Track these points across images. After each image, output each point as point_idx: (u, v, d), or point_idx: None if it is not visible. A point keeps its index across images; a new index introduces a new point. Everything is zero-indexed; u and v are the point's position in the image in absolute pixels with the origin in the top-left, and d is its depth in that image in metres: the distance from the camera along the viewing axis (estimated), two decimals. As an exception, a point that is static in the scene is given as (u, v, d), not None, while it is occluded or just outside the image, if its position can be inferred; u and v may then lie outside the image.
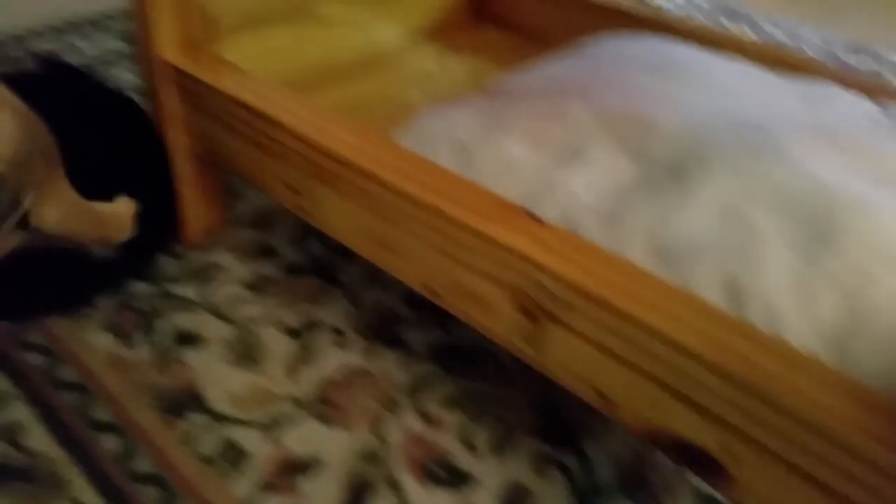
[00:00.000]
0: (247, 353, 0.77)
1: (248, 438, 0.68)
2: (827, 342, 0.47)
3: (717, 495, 0.64)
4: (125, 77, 1.30)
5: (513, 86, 0.74)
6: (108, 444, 0.67)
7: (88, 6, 1.55)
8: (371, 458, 0.67)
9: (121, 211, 0.77)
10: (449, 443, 0.69)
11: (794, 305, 0.48)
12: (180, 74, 0.79)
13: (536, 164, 0.63)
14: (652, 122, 0.63)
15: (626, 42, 0.81)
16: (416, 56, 1.05)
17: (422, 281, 0.64)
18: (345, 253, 0.90)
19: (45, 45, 1.40)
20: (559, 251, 0.53)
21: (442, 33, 1.12)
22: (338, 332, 0.80)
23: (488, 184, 0.62)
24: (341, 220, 0.69)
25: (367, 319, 0.82)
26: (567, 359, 0.54)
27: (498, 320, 0.58)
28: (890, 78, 1.50)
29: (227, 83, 0.75)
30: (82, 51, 1.39)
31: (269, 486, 0.64)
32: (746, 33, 1.68)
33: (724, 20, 1.76)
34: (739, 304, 0.50)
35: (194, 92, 0.78)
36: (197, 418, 0.69)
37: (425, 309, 0.83)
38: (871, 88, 0.79)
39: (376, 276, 0.87)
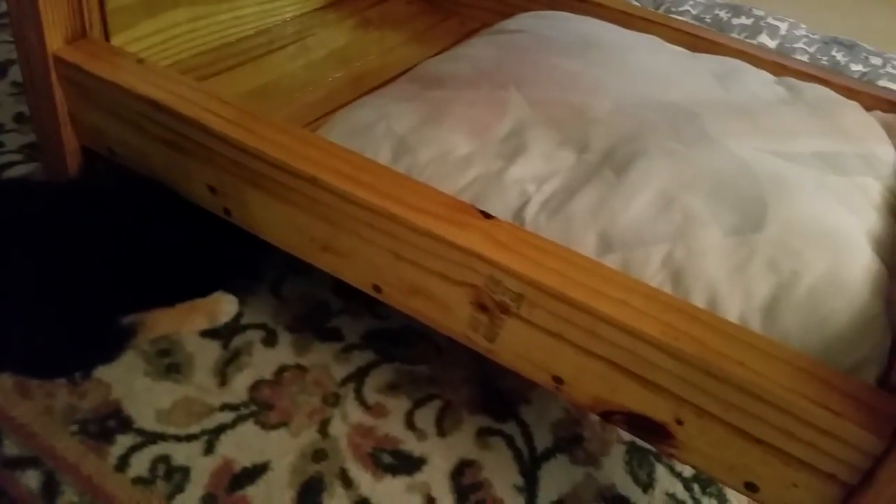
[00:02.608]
0: (170, 364, 0.73)
1: (184, 453, 0.66)
2: (760, 314, 0.53)
3: (650, 448, 0.71)
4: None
5: (441, 72, 0.74)
6: (30, 481, 0.62)
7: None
8: (318, 455, 0.68)
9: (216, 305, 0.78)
10: (394, 429, 0.71)
11: (731, 284, 0.54)
12: (74, 69, 0.72)
13: (480, 158, 0.64)
14: (588, 113, 0.66)
15: (548, 21, 0.83)
16: (325, 32, 1.01)
17: (370, 282, 0.64)
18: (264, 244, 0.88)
19: None
20: (512, 247, 0.56)
21: (346, 5, 1.09)
22: (266, 330, 0.79)
23: (432, 180, 0.63)
24: (274, 222, 0.68)
25: (296, 313, 0.81)
26: (523, 349, 0.58)
27: (453, 317, 0.60)
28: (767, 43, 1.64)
29: (129, 78, 0.70)
30: None
31: (215, 501, 0.62)
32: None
33: None
34: (682, 287, 0.55)
35: (92, 89, 0.72)
36: (126, 440, 0.66)
37: (354, 297, 0.83)
38: (770, 64, 0.87)
39: (300, 267, 0.86)
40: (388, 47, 1.00)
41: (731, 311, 0.54)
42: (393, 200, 0.59)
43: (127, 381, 0.71)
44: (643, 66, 0.77)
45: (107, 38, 0.79)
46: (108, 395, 0.69)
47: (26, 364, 0.70)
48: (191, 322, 0.77)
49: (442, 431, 0.71)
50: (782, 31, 1.70)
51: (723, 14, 1.74)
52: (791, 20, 1.75)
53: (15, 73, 1.13)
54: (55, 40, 0.73)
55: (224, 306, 0.78)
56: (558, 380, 0.57)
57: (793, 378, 0.48)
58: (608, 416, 0.56)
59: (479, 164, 0.65)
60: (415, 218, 0.58)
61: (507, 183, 0.63)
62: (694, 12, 1.74)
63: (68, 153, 0.79)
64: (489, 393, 0.75)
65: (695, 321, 0.51)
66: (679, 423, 0.52)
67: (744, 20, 1.73)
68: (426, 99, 0.72)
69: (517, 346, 0.58)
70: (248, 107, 0.68)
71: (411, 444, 0.70)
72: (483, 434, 0.71)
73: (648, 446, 0.72)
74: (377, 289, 0.65)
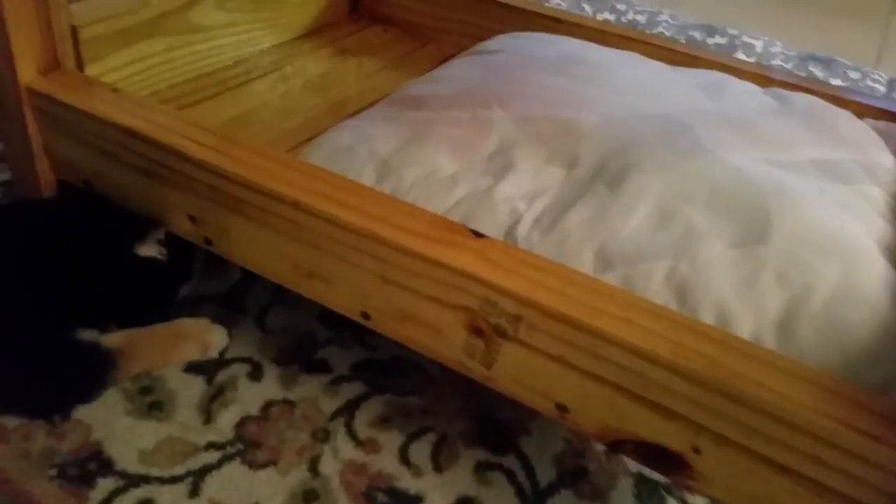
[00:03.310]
0: (152, 402, 0.70)
1: (168, 497, 0.62)
2: (774, 330, 0.50)
3: (660, 478, 0.68)
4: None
5: (422, 93, 0.72)
6: (6, 530, 0.58)
7: None
8: (309, 496, 0.64)
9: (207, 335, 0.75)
10: (388, 465, 0.67)
11: (740, 299, 0.51)
12: (47, 100, 0.70)
13: (466, 177, 0.62)
14: (576, 127, 0.64)
15: (527, 41, 0.82)
16: (302, 61, 1.00)
17: (359, 309, 0.61)
18: (247, 274, 0.85)
19: None
20: (507, 266, 0.53)
21: (323, 34, 1.08)
22: (252, 363, 0.75)
23: (418, 201, 0.61)
24: (256, 249, 0.65)
25: (282, 345, 0.78)
26: (522, 374, 0.54)
27: (446, 342, 0.57)
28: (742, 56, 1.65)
29: (103, 107, 0.67)
30: None
31: (205, 545, 0.59)
32: (609, 20, 1.77)
33: (585, 6, 1.85)
34: (688, 304, 0.52)
35: (66, 120, 0.70)
36: (108, 483, 0.62)
37: (342, 326, 0.80)
38: (753, 76, 0.86)
39: (284, 296, 0.83)
40: (365, 74, 0.99)
41: (744, 327, 0.51)
42: (380, 222, 0.57)
43: (108, 420, 0.67)
44: (628, 80, 0.75)
45: (81, 68, 0.76)
46: (88, 436, 0.66)
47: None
48: (180, 352, 0.73)
49: (438, 467, 0.67)
50: (758, 49, 1.70)
51: (697, 34, 1.75)
52: (766, 38, 1.75)
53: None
54: (27, 72, 0.70)
55: (215, 337, 0.75)
56: (562, 408, 0.54)
57: (817, 398, 0.45)
58: (618, 446, 0.53)
59: (466, 183, 0.63)
60: (403, 239, 0.55)
61: (497, 201, 0.61)
62: (668, 34, 1.74)
63: (44, 187, 0.77)
64: (486, 424, 0.72)
65: (706, 339, 0.48)
66: (696, 451, 0.49)
67: (718, 39, 1.73)
68: (408, 120, 0.69)
69: (516, 372, 0.55)
70: (227, 133, 0.66)
71: (407, 481, 0.66)
72: (482, 468, 0.68)
73: (658, 478, 0.68)
74: (366, 316, 0.62)
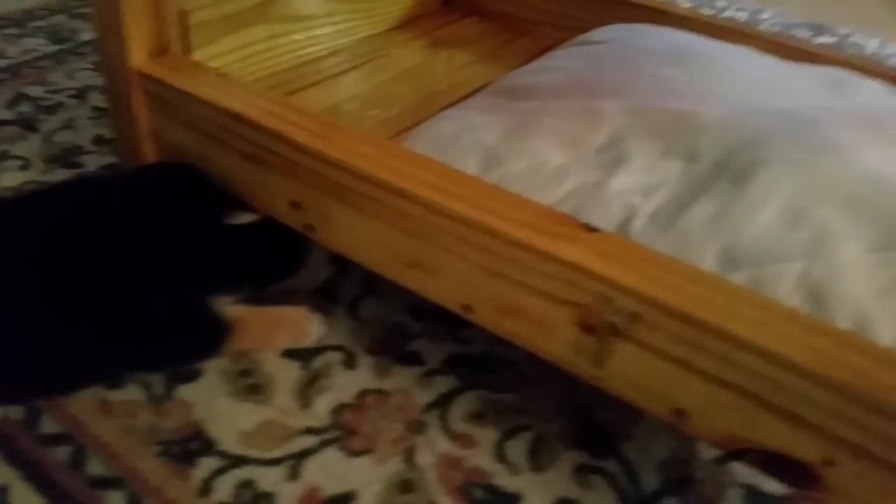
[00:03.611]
0: (250, 384, 0.70)
1: (269, 479, 0.62)
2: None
3: (772, 491, 0.64)
4: (59, 80, 1.18)
5: (526, 83, 0.70)
6: (113, 502, 0.59)
7: (7, 4, 1.40)
8: (405, 486, 0.63)
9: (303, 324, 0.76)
10: (484, 461, 0.65)
11: (880, 306, 0.47)
12: (156, 84, 0.71)
13: (576, 170, 0.59)
14: (694, 120, 0.61)
15: (636, 32, 0.78)
16: (396, 52, 0.99)
17: (460, 301, 0.60)
18: (338, 263, 0.85)
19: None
20: (624, 262, 0.50)
21: (416, 26, 1.07)
22: (345, 352, 0.75)
23: (524, 193, 0.59)
24: (358, 238, 0.64)
25: (374, 336, 0.77)
26: (637, 376, 0.52)
27: (554, 339, 0.55)
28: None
29: (211, 91, 0.68)
30: (6, 53, 1.26)
31: (302, 530, 0.59)
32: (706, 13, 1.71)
33: (683, 2, 1.78)
34: (823, 309, 0.49)
35: (173, 103, 0.71)
36: (209, 462, 0.63)
37: (433, 319, 0.79)
38: (881, 75, 0.80)
39: (375, 287, 0.82)
40: (458, 66, 0.97)
41: (884, 336, 0.47)
42: (488, 212, 0.55)
43: (208, 401, 0.68)
44: (748, 74, 0.71)
45: (187, 53, 0.77)
46: (189, 415, 0.67)
47: (133, 356, 0.68)
48: (278, 337, 0.74)
49: (536, 466, 0.65)
50: (870, 50, 1.60)
51: (803, 33, 1.65)
52: (880, 37, 1.65)
53: (94, 98, 1.15)
54: (138, 55, 0.72)
55: (312, 327, 0.75)
56: (680, 412, 0.51)
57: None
58: (740, 455, 0.49)
59: (576, 175, 0.60)
60: (513, 231, 0.53)
61: (609, 195, 0.58)
62: (773, 31, 1.66)
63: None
64: (585, 426, 0.69)
65: (848, 346, 0.44)
66: (829, 464, 0.45)
67: (826, 38, 1.63)
68: (513, 110, 0.67)
69: (630, 374, 0.52)
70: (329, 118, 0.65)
71: (504, 479, 0.64)
72: (582, 471, 0.65)
73: (770, 489, 0.64)
74: (468, 309, 0.60)
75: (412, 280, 0.63)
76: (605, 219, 0.56)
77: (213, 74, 0.71)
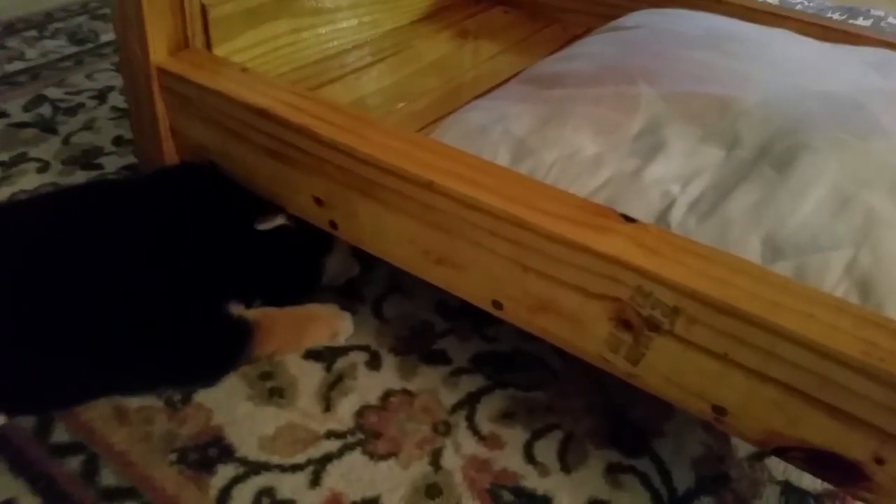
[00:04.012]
0: (272, 387, 0.69)
1: (289, 485, 0.60)
2: None
3: (810, 488, 0.62)
4: (79, 81, 1.18)
5: (557, 71, 0.69)
6: (128, 514, 0.58)
7: (28, 6, 1.40)
8: (431, 490, 0.61)
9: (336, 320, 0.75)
10: (513, 462, 0.64)
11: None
12: (177, 80, 0.70)
13: (612, 158, 0.58)
14: (733, 105, 0.59)
15: (668, 17, 0.76)
16: (422, 44, 0.98)
17: (490, 298, 0.58)
18: (362, 261, 0.84)
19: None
20: (664, 253, 0.49)
21: (442, 16, 1.06)
22: (369, 352, 0.73)
23: (558, 183, 0.57)
24: (384, 234, 0.62)
25: (399, 335, 0.75)
26: (675, 373, 0.50)
27: (588, 336, 0.53)
28: None
29: (234, 87, 0.67)
30: (26, 56, 1.26)
31: (326, 536, 0.57)
32: None
33: None
34: (872, 298, 0.46)
35: (195, 99, 0.70)
36: (228, 470, 0.61)
37: (459, 316, 0.77)
38: None
39: (400, 284, 0.81)
40: (486, 57, 0.96)
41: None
42: (519, 204, 0.53)
43: (228, 405, 0.66)
44: (788, 57, 0.69)
45: (209, 49, 0.76)
46: (208, 420, 0.65)
47: (153, 372, 0.66)
48: (310, 336, 0.73)
49: (566, 466, 0.63)
50: (906, 32, 1.57)
51: (836, 17, 1.63)
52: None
53: (114, 99, 1.14)
54: (159, 51, 0.71)
55: (343, 323, 0.74)
56: (720, 410, 0.49)
57: None
58: (783, 452, 0.47)
59: (612, 164, 0.59)
60: (546, 223, 0.52)
61: (646, 184, 0.56)
62: (809, 13, 1.63)
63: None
64: (616, 424, 0.67)
65: (905, 339, 0.42)
66: (879, 462, 0.43)
67: (861, 22, 1.60)
68: (544, 99, 0.66)
69: (667, 370, 0.50)
70: (356, 112, 0.64)
71: (533, 481, 0.62)
72: (613, 471, 0.63)
73: (808, 486, 0.62)
74: (498, 305, 0.59)
75: (440, 277, 0.61)
76: (642, 209, 0.55)
77: (235, 69, 0.70)
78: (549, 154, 0.59)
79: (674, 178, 0.56)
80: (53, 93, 1.15)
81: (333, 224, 0.67)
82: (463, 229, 0.56)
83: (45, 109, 1.10)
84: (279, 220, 0.70)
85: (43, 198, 0.78)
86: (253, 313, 0.70)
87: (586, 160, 0.59)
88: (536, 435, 0.66)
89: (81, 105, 1.12)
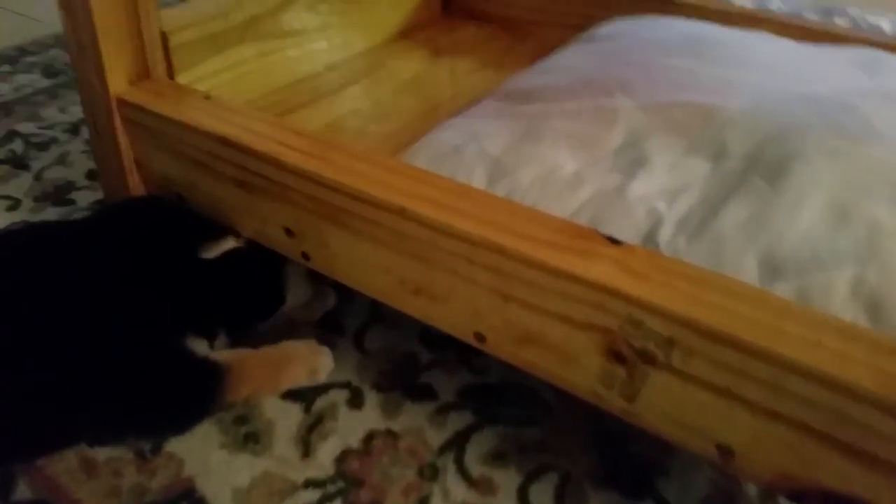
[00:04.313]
0: (247, 433, 0.64)
1: (266, 540, 0.56)
2: None
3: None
4: (52, 115, 1.15)
5: (531, 85, 0.65)
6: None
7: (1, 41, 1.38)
8: (419, 541, 0.57)
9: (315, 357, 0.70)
10: (505, 507, 0.59)
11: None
12: (138, 111, 0.66)
13: (592, 175, 0.54)
14: (717, 113, 0.55)
15: (644, 25, 0.73)
16: (396, 63, 0.95)
17: (472, 330, 0.54)
18: (342, 293, 0.80)
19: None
20: (654, 278, 0.44)
21: (416, 35, 1.03)
22: (351, 389, 0.69)
23: (538, 205, 0.53)
24: (358, 264, 0.58)
25: (382, 369, 0.71)
26: (674, 409, 0.45)
27: (578, 370, 0.49)
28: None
29: (196, 115, 0.63)
30: None
31: None
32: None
33: None
34: (883, 321, 0.42)
35: (157, 130, 0.66)
36: (200, 527, 0.57)
37: (444, 347, 0.73)
38: None
39: (382, 314, 0.77)
40: (461, 73, 0.92)
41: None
42: (498, 229, 0.49)
43: (201, 454, 0.62)
44: (771, 60, 0.65)
45: (171, 77, 0.73)
46: (180, 471, 0.61)
47: (107, 428, 0.62)
48: (288, 376, 0.68)
49: (564, 511, 0.59)
50: (885, 30, 1.54)
51: (812, 17, 1.60)
52: (893, 16, 1.58)
53: (88, 132, 1.11)
54: (118, 83, 0.67)
55: (323, 360, 0.69)
56: (726, 450, 0.44)
57: None
58: (799, 497, 0.43)
59: (593, 181, 0.55)
60: (525, 248, 0.48)
61: (631, 201, 0.52)
62: (788, 13, 1.60)
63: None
64: (616, 461, 0.63)
65: (927, 367, 0.38)
66: (903, 504, 0.39)
67: (839, 21, 1.57)
68: (519, 115, 0.62)
69: (667, 407, 0.46)
70: (323, 136, 0.60)
71: (528, 528, 0.58)
72: (615, 513, 0.59)
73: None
74: (480, 338, 0.55)
75: (418, 308, 0.57)
76: (628, 229, 0.51)
77: (198, 97, 0.67)
78: (526, 173, 0.56)
79: (659, 194, 0.52)
80: (26, 127, 1.11)
81: (306, 255, 0.63)
82: (439, 257, 0.52)
83: (17, 145, 1.07)
84: (228, 244, 0.66)
85: None
86: (223, 355, 0.66)
87: (566, 178, 0.55)
88: (531, 477, 0.61)
89: (54, 139, 1.08)
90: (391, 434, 0.65)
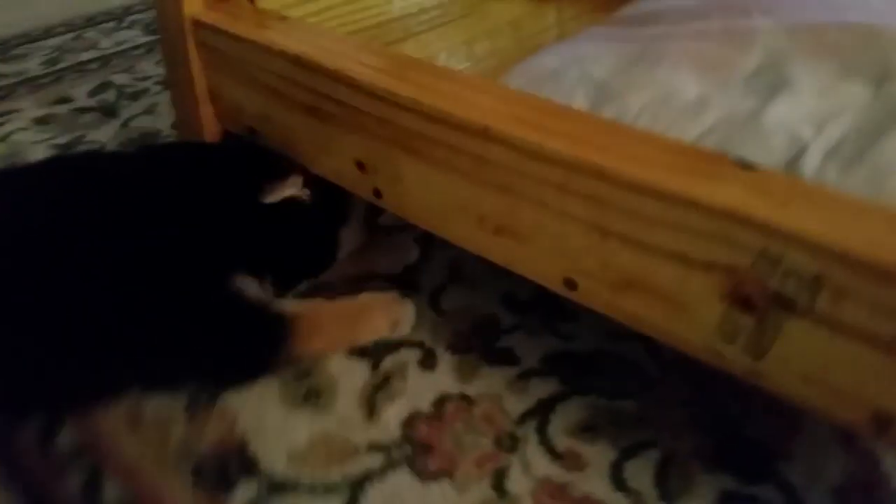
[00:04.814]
0: (309, 389, 0.59)
1: (321, 510, 0.50)
2: None
3: None
4: (147, 68, 1.16)
5: (652, 9, 0.56)
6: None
7: (104, 2, 1.42)
8: (494, 520, 0.49)
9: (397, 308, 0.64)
10: (598, 487, 0.51)
11: None
12: (212, 32, 0.62)
13: (720, 99, 0.45)
14: (883, 33, 0.45)
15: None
16: (498, 5, 0.88)
17: (561, 275, 0.46)
18: (421, 241, 0.73)
19: (58, 43, 1.25)
20: (798, 205, 0.35)
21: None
22: (423, 349, 0.62)
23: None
24: (433, 200, 0.52)
25: (458, 329, 0.64)
26: (816, 367, 0.36)
27: (691, 321, 0.40)
28: None
29: (271, 35, 0.58)
30: (100, 45, 1.25)
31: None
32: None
33: None
34: None
35: (230, 53, 0.62)
36: (249, 489, 0.51)
37: (530, 311, 0.65)
38: None
39: (462, 273, 0.70)
40: (567, 17, 0.84)
41: None
42: (597, 149, 0.41)
43: (257, 409, 0.57)
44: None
45: (252, 2, 0.68)
46: (232, 428, 0.55)
47: (160, 376, 0.56)
48: (367, 328, 0.62)
49: (667, 494, 0.50)
50: None
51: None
52: None
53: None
54: (193, 3, 0.63)
55: (405, 312, 0.63)
56: (884, 419, 0.35)
57: None
58: None
59: (720, 106, 0.45)
60: (631, 170, 0.39)
61: (768, 127, 0.43)
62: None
63: (209, 138, 0.69)
64: (730, 441, 0.53)
65: None
66: None
67: None
68: (634, 38, 0.53)
69: (806, 364, 0.36)
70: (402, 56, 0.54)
71: (625, 512, 0.49)
72: (729, 501, 0.49)
73: None
74: (571, 285, 0.46)
75: (499, 251, 0.50)
76: (764, 157, 0.41)
77: (274, 18, 0.62)
78: (636, 98, 0.47)
79: (804, 119, 0.42)
80: (120, 79, 1.12)
81: (378, 193, 0.57)
82: (525, 187, 0.45)
83: (110, 94, 1.07)
84: (289, 191, 0.61)
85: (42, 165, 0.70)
86: (294, 306, 0.61)
87: (686, 102, 0.46)
88: (626, 454, 0.53)
89: (146, 90, 1.09)
90: (465, 399, 0.58)
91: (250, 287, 0.59)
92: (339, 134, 0.56)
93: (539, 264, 0.47)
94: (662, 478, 0.51)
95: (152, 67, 1.16)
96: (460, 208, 0.50)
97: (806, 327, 0.35)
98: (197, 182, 0.60)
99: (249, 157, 0.63)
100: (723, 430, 0.54)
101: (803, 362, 0.36)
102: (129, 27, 1.33)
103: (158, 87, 1.10)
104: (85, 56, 1.20)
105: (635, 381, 0.58)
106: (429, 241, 0.73)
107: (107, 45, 1.25)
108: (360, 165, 0.56)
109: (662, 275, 0.40)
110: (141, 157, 0.64)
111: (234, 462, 0.53)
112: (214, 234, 0.58)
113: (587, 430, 0.55)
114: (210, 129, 0.68)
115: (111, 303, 0.52)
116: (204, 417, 0.56)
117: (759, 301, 0.36)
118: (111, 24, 1.34)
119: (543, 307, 0.65)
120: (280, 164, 0.62)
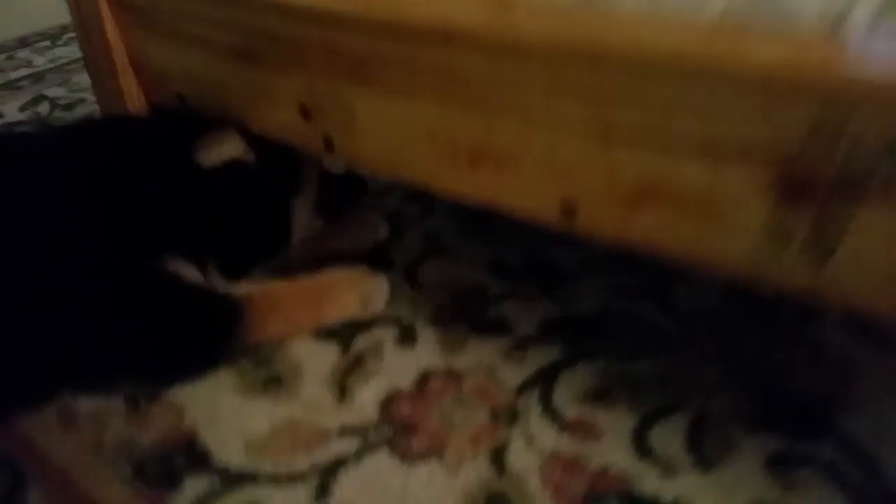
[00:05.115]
0: (270, 377, 0.50)
1: (285, 501, 0.41)
2: None
3: None
4: (83, 80, 1.07)
5: None
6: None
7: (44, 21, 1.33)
8: (496, 502, 0.40)
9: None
10: (618, 457, 0.42)
11: None
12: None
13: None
14: None
15: None
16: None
17: (557, 198, 0.37)
18: (392, 217, 0.65)
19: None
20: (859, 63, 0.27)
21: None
22: (400, 326, 0.54)
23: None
24: (394, 137, 0.43)
25: (440, 303, 0.56)
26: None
27: (726, 231, 0.32)
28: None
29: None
30: (33, 63, 1.19)
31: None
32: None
33: None
34: None
35: (149, 8, 0.53)
36: (198, 484, 0.43)
37: (523, 277, 0.57)
38: None
39: (441, 247, 0.62)
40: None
41: None
42: (588, 26, 0.33)
43: (208, 400, 0.48)
44: None
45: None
46: (179, 421, 0.47)
47: (93, 376, 0.49)
48: (333, 307, 0.54)
49: (704, 461, 0.42)
50: None
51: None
52: None
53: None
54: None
55: (377, 288, 0.55)
56: None
57: None
58: None
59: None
60: (638, 35, 0.31)
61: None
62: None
63: (134, 111, 0.60)
64: (774, 397, 0.45)
65: None
66: None
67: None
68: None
69: (887, 268, 0.28)
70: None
71: (653, 483, 0.41)
72: (780, 464, 0.41)
73: None
74: (569, 211, 0.38)
75: (478, 187, 0.41)
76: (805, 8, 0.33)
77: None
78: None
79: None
80: (55, 92, 1.05)
81: (328, 142, 0.48)
82: (504, 96, 0.36)
83: (43, 108, 1.00)
84: (227, 152, 0.52)
85: None
86: (245, 287, 0.52)
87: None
88: (649, 419, 0.44)
89: (82, 100, 1.01)
90: (452, 374, 0.49)
91: (190, 273, 0.50)
92: (276, 76, 0.47)
93: (528, 193, 0.39)
94: (696, 442, 0.42)
95: (88, 80, 1.07)
96: (426, 140, 0.41)
97: (882, 216, 0.27)
98: (121, 155, 0.51)
99: (178, 123, 0.55)
100: (763, 386, 0.46)
101: (883, 265, 0.28)
102: (65, 44, 1.27)
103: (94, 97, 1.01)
104: (15, 75, 1.13)
105: (650, 340, 0.50)
106: (399, 218, 0.65)
107: (40, 62, 1.19)
108: (305, 112, 0.47)
109: (686, 176, 0.32)
110: (56, 136, 0.56)
111: (181, 457, 0.44)
112: (141, 210, 0.49)
113: (600, 396, 0.46)
114: (134, 101, 0.60)
115: (29, 298, 0.44)
116: (145, 412, 0.47)
117: (817, 188, 0.28)
118: (46, 43, 1.28)
119: (537, 272, 0.57)
120: (214, 126, 0.53)
